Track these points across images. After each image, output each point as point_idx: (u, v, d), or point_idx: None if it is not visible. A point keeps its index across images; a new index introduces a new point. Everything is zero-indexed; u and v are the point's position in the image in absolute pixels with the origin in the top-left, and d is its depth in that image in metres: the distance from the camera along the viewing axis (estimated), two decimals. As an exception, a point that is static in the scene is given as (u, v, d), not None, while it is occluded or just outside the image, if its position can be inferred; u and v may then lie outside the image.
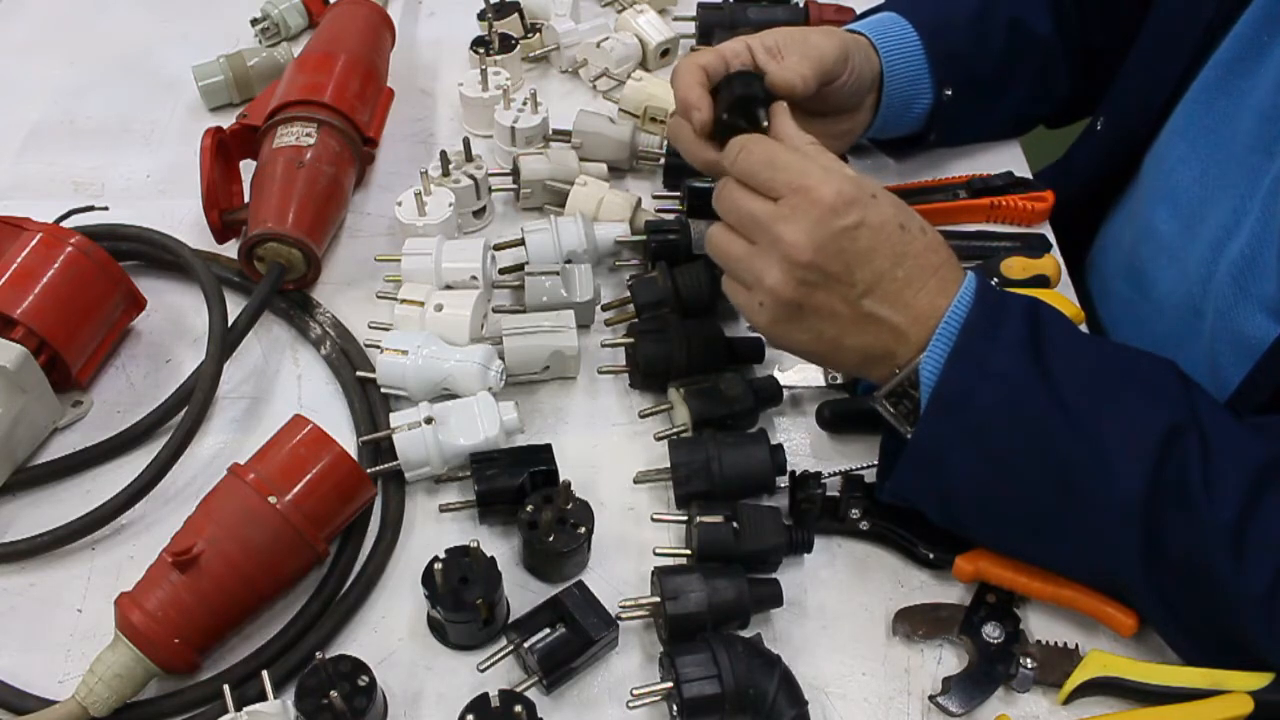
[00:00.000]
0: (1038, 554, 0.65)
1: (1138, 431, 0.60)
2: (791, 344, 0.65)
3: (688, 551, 0.68)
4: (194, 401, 0.72)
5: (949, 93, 0.85)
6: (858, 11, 0.96)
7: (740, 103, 0.67)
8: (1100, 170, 0.91)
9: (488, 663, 0.63)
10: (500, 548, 0.70)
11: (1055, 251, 0.86)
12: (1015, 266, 0.82)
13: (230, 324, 0.77)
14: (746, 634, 0.64)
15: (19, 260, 0.75)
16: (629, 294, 0.81)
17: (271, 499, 0.64)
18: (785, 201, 0.61)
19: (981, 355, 0.61)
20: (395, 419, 0.72)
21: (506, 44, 1.00)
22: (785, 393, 0.76)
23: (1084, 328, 0.81)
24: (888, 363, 0.63)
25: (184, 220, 0.89)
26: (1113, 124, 0.90)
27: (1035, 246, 0.86)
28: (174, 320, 0.84)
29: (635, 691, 0.61)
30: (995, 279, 0.81)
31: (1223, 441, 0.60)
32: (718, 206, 0.66)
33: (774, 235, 0.61)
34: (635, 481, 0.73)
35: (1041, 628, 0.67)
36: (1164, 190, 0.83)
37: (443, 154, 0.87)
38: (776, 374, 0.77)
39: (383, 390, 0.77)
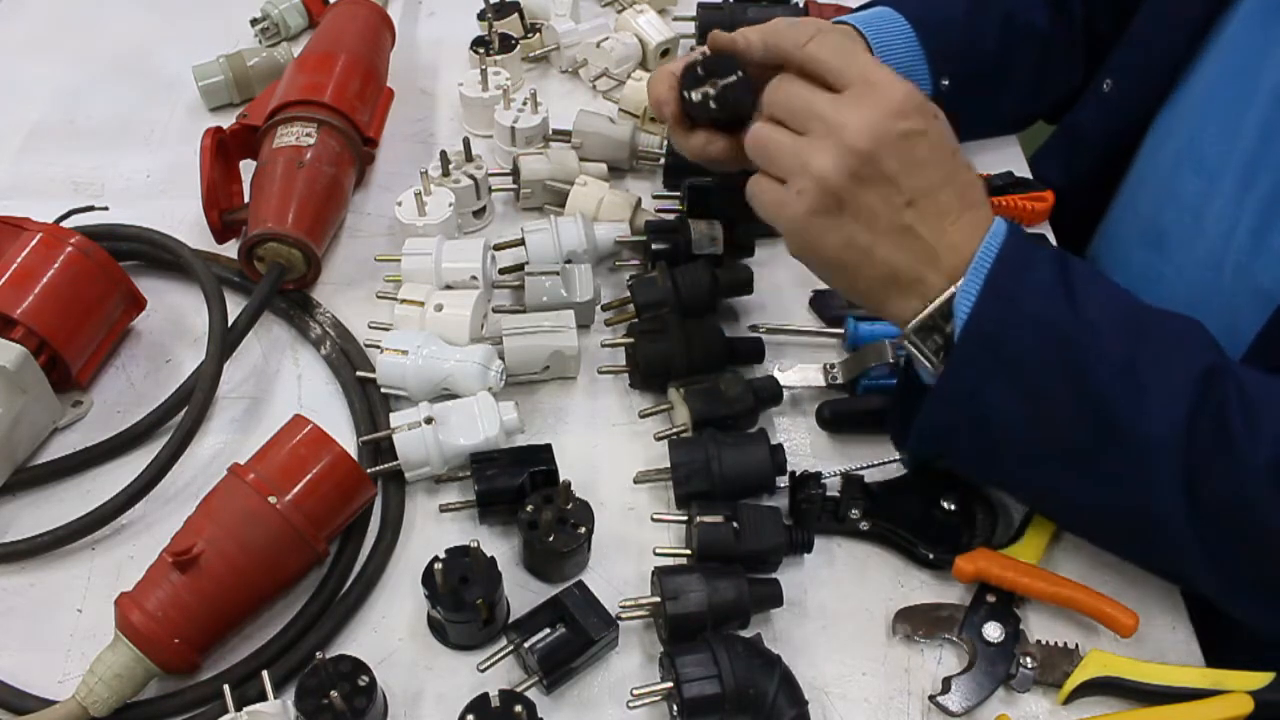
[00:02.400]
0: (1076, 494, 0.63)
1: (1175, 370, 0.59)
2: (820, 247, 0.62)
3: (688, 551, 0.68)
4: (194, 401, 0.72)
5: (946, 83, 0.85)
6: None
7: (689, 68, 0.68)
8: (1112, 135, 0.90)
9: (488, 663, 0.63)
10: (500, 548, 0.70)
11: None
12: (1015, 266, 0.82)
13: (230, 324, 0.77)
14: (746, 634, 0.64)
15: (19, 260, 0.75)
16: (629, 294, 0.81)
17: (271, 499, 0.64)
18: (852, 91, 0.60)
19: (1015, 290, 0.59)
20: (395, 419, 0.72)
21: (506, 44, 1.00)
22: (785, 393, 0.76)
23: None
24: (915, 289, 0.61)
25: (184, 220, 0.89)
26: (1125, 85, 0.89)
27: (1035, 246, 0.86)
28: (174, 320, 0.84)
29: (635, 691, 0.61)
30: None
31: (1256, 386, 0.59)
32: (771, 97, 0.63)
33: (835, 121, 0.59)
34: (635, 481, 0.73)
35: (1041, 628, 0.67)
36: (1187, 148, 0.82)
37: (443, 154, 0.87)
38: (776, 374, 0.77)
39: (383, 390, 0.77)
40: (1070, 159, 0.90)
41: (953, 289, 0.60)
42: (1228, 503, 0.59)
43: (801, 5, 1.03)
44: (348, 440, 0.74)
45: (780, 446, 0.70)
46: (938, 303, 0.60)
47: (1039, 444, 0.62)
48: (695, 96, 0.68)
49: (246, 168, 0.88)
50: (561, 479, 0.69)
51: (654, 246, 0.82)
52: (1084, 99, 0.94)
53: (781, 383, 0.76)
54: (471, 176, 0.87)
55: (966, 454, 0.65)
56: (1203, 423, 0.58)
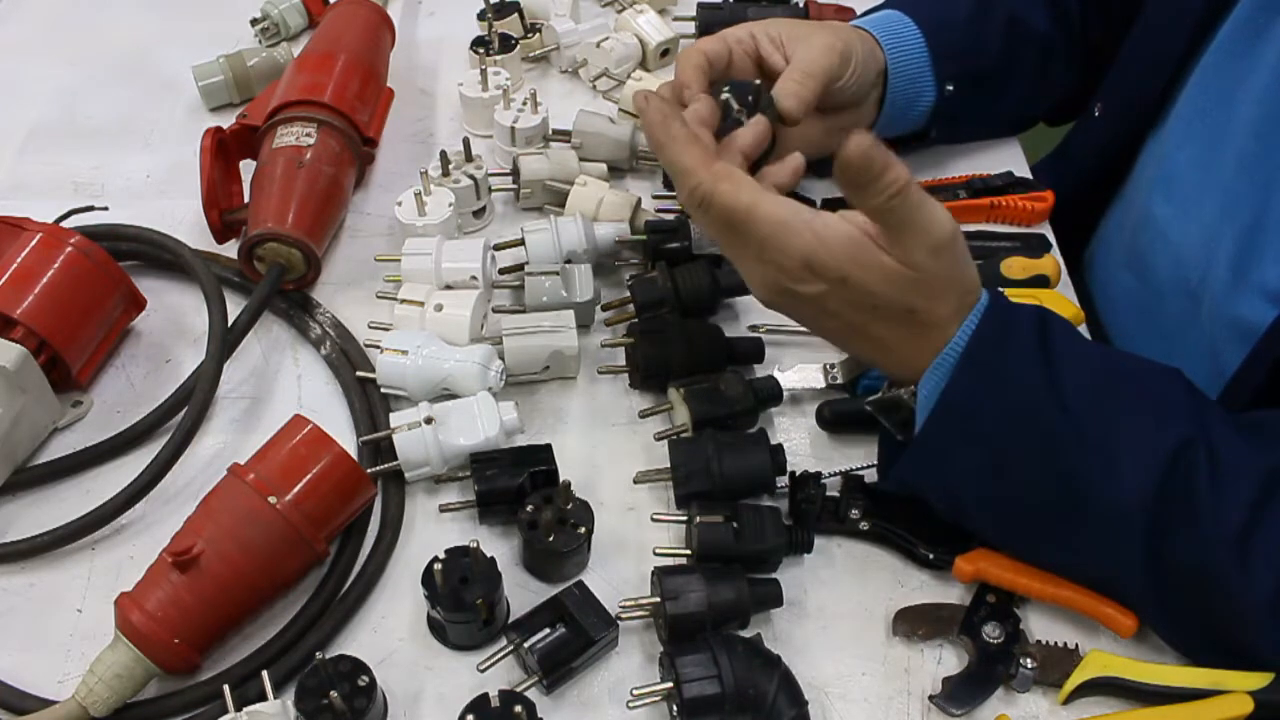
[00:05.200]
0: (1040, 555, 0.65)
1: (1147, 446, 0.60)
2: (797, 321, 0.65)
3: (688, 551, 0.68)
4: (194, 401, 0.72)
5: (950, 88, 0.85)
6: (858, 11, 0.96)
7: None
8: (1100, 157, 0.92)
9: (488, 663, 0.63)
10: (500, 548, 0.70)
11: (1055, 251, 0.86)
12: (1015, 266, 0.82)
13: (230, 324, 0.77)
14: (746, 634, 0.64)
15: (19, 260, 0.75)
16: (629, 294, 0.81)
17: (271, 499, 0.64)
18: (752, 248, 0.60)
19: (991, 364, 0.61)
20: (395, 419, 0.72)
21: (506, 44, 1.00)
22: (785, 393, 0.76)
23: (1084, 325, 0.81)
24: (909, 364, 0.62)
25: (184, 220, 0.89)
26: (1111, 111, 0.91)
27: (1035, 246, 0.86)
28: (174, 320, 0.84)
29: (635, 691, 0.61)
30: (995, 279, 0.82)
31: (1229, 452, 0.60)
32: (699, 219, 0.63)
33: (740, 266, 0.62)
34: (635, 481, 0.73)
35: (1041, 628, 0.67)
36: (1160, 176, 0.83)
37: (443, 154, 0.87)
38: (776, 374, 0.77)
39: (383, 390, 0.77)
40: (1062, 178, 0.91)
41: (913, 387, 0.62)
42: (1191, 571, 0.60)
43: (801, 5, 1.03)
44: (348, 440, 0.74)
45: (780, 446, 0.70)
46: (899, 390, 0.63)
47: (1007, 513, 0.64)
48: (727, 98, 0.67)
49: (246, 168, 0.88)
50: (561, 479, 0.69)
51: (654, 247, 0.83)
52: (1078, 122, 0.94)
53: (781, 383, 0.76)
54: (471, 176, 0.87)
55: (937, 506, 0.66)
56: (1171, 494, 0.59)
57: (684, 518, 0.69)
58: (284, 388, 0.80)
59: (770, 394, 0.75)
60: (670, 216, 0.87)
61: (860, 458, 0.73)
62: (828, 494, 0.70)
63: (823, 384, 0.77)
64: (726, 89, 0.68)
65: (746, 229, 0.60)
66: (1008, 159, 0.94)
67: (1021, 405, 0.60)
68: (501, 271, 0.84)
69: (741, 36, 0.72)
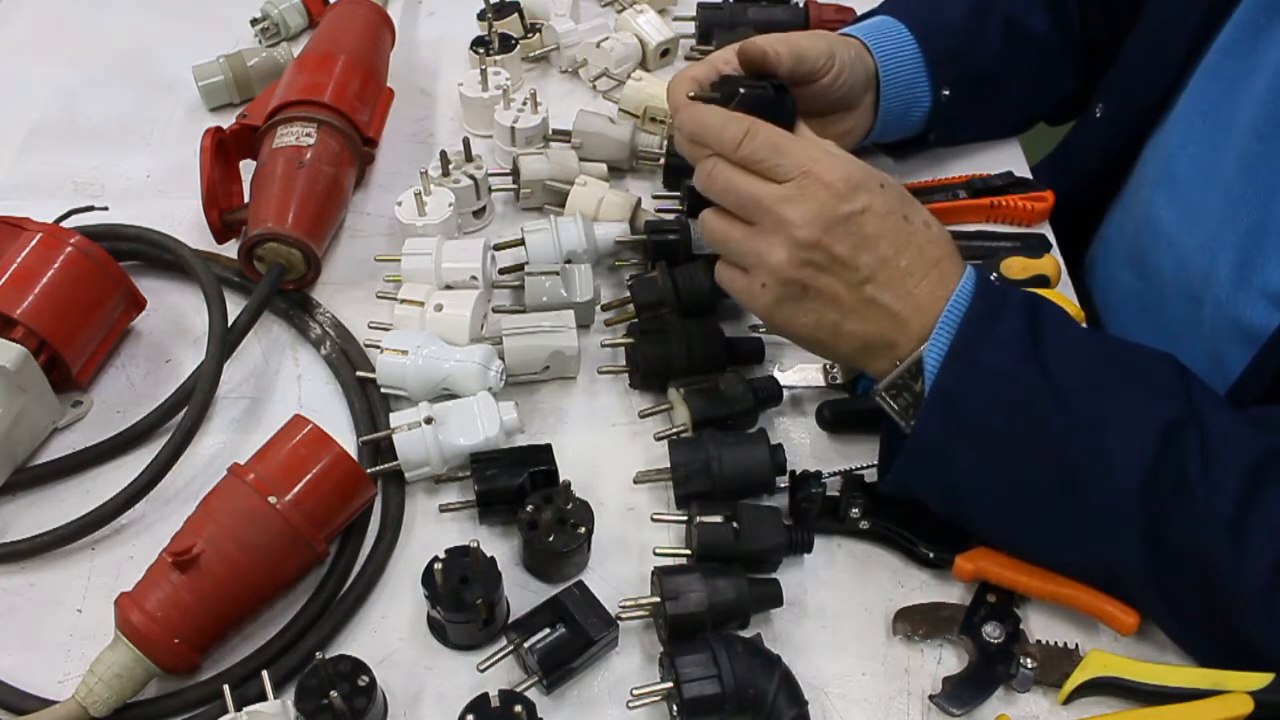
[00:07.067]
0: (1039, 549, 0.65)
1: (1137, 426, 0.60)
2: (793, 328, 0.65)
3: (688, 551, 0.68)
4: (194, 401, 0.72)
5: (946, 93, 0.85)
6: (858, 12, 0.96)
7: (723, 79, 0.68)
8: (1101, 158, 0.92)
9: (488, 663, 0.63)
10: (500, 548, 0.70)
11: (1055, 251, 0.86)
12: (1015, 266, 0.82)
13: (230, 324, 0.77)
14: (746, 634, 0.64)
15: (19, 260, 0.75)
16: (629, 294, 0.81)
17: (271, 499, 0.64)
18: (792, 184, 0.61)
19: (979, 352, 0.61)
20: (395, 419, 0.72)
21: (506, 44, 1.00)
22: (785, 393, 0.76)
23: (1085, 326, 0.81)
24: (887, 353, 0.63)
25: (184, 220, 0.89)
26: (1112, 111, 0.91)
27: (1035, 246, 0.86)
28: (174, 320, 0.84)
29: (635, 691, 0.61)
30: (995, 278, 0.82)
31: (1221, 435, 0.60)
32: (710, 188, 0.64)
33: (779, 216, 0.61)
34: (635, 481, 0.73)
35: (1041, 627, 0.67)
36: (1163, 177, 0.83)
37: (443, 154, 0.87)
38: (776, 374, 0.77)
39: (383, 390, 0.77)
40: (1063, 178, 0.91)
41: (918, 352, 0.62)
42: (1185, 555, 0.60)
43: (801, 5, 1.03)
44: (348, 440, 0.74)
45: (780, 446, 0.70)
46: (906, 363, 0.62)
47: (1004, 502, 0.64)
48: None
49: (246, 168, 0.88)
50: (561, 479, 0.69)
51: (654, 247, 0.82)
52: (1078, 122, 0.94)
53: (781, 383, 0.76)
54: (471, 176, 0.87)
55: (936, 506, 0.66)
56: (1163, 478, 0.59)
57: (684, 518, 0.69)
58: (284, 388, 0.80)
59: (770, 394, 0.75)
60: (670, 216, 0.87)
61: (860, 457, 0.73)
62: (828, 494, 0.70)
63: (823, 384, 0.77)
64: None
65: (791, 152, 0.62)
66: (1008, 159, 0.94)
67: (1012, 394, 0.61)
68: (501, 271, 0.84)
69: (728, 58, 0.72)
